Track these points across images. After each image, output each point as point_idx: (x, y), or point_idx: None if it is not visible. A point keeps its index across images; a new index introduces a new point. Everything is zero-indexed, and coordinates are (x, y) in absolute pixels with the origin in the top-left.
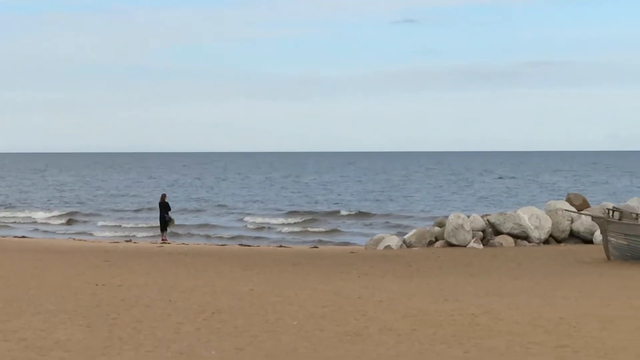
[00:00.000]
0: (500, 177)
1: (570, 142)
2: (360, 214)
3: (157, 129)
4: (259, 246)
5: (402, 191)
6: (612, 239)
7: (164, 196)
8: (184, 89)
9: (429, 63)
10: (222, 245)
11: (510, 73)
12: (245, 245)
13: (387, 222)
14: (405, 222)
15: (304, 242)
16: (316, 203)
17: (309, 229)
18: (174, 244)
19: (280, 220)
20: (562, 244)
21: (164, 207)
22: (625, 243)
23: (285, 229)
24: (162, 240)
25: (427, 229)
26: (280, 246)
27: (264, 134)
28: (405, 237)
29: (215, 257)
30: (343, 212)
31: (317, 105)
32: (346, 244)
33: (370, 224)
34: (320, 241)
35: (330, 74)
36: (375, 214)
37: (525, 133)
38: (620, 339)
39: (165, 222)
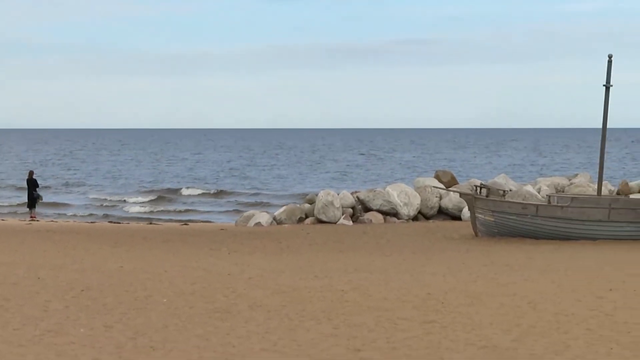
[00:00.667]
0: (362, 154)
1: (436, 119)
2: (220, 193)
3: (25, 105)
4: (128, 223)
5: (259, 169)
6: (480, 215)
7: (31, 173)
8: (55, 65)
9: (299, 41)
10: (91, 222)
11: (379, 51)
12: (114, 223)
13: (235, 200)
14: (261, 200)
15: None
16: (171, 180)
17: (163, 207)
18: (42, 221)
19: (125, 197)
20: (430, 221)
21: (32, 184)
22: (492, 219)
23: (135, 208)
24: (31, 217)
25: (298, 205)
26: (150, 223)
27: (134, 110)
28: (276, 214)
29: (84, 235)
30: (198, 191)
31: (187, 82)
32: (188, 222)
33: (222, 202)
34: (159, 219)
35: (201, 51)
36: (231, 192)
37: (390, 111)
38: (486, 315)
39: (33, 199)
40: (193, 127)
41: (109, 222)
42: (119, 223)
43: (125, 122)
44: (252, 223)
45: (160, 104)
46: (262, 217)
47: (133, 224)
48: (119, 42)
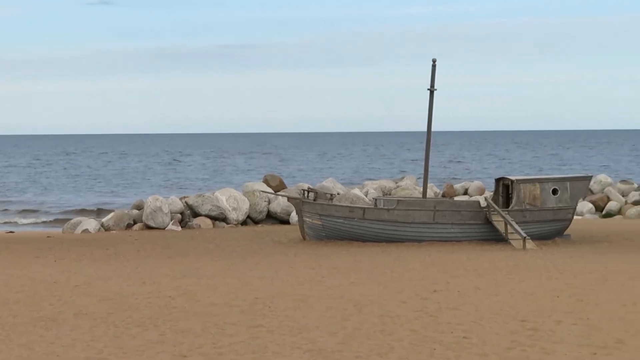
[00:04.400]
0: (175, 159)
1: (264, 124)
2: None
3: None
4: None
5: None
6: (308, 219)
7: None
8: None
9: (126, 45)
10: None
11: (208, 55)
12: None
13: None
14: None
15: None
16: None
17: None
18: None
19: None
20: (259, 225)
21: None
22: (320, 223)
23: None
24: None
25: (126, 211)
26: None
27: None
28: (104, 220)
29: None
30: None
31: (10, 88)
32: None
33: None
34: None
35: (22, 56)
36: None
37: (218, 115)
38: (313, 318)
39: None
40: (15, 134)
41: None
42: None
43: None
44: (79, 230)
45: None
46: (90, 223)
47: None
48: None
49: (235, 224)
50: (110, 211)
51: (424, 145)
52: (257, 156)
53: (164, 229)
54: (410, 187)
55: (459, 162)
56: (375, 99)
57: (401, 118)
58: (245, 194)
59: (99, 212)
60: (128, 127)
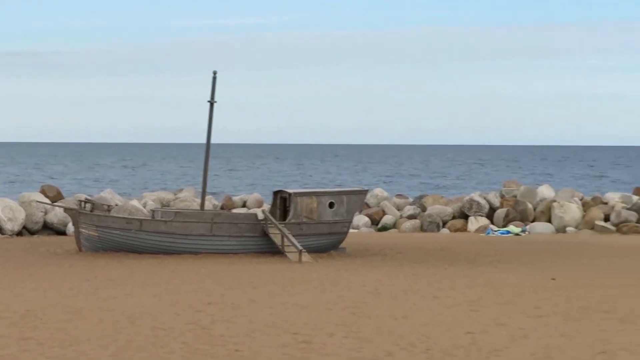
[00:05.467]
0: None
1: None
2: None
3: None
4: None
5: None
6: (84, 230)
7: None
8: None
9: None
10: None
11: None
12: None
13: None
14: None
15: None
16: None
17: None
18: None
19: None
20: (35, 236)
21: None
22: (97, 234)
23: None
24: None
25: None
26: None
27: None
28: None
29: None
30: None
31: None
32: None
33: None
34: None
35: None
36: None
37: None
38: (85, 330)
39: None
40: None
41: None
42: None
43: None
44: None
45: None
46: None
47: None
48: None
49: (10, 235)
50: None
51: (195, 158)
52: (26, 166)
53: None
54: (189, 198)
55: (232, 170)
56: (151, 109)
57: (183, 129)
58: (22, 204)
59: None
60: None
